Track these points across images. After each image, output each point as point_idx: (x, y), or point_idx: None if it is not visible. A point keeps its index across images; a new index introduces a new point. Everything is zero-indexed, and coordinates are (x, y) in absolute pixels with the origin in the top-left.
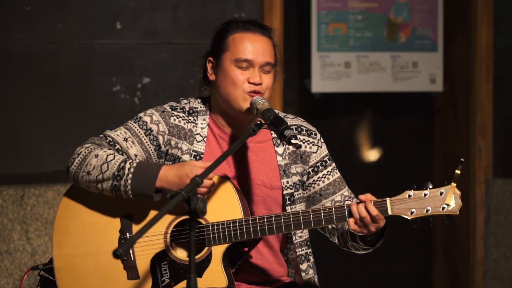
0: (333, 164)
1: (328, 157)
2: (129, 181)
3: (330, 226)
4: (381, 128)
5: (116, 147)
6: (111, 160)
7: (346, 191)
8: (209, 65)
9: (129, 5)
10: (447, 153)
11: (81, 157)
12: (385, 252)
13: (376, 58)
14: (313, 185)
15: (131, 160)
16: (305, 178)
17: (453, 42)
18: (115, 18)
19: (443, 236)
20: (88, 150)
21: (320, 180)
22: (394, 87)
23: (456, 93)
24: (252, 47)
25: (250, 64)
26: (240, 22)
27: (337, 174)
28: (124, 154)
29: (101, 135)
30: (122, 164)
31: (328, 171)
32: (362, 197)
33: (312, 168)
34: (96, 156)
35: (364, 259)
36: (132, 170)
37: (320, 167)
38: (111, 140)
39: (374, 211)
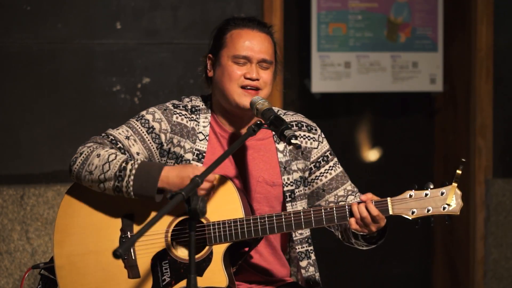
0: (335, 159)
1: (329, 152)
2: (131, 183)
3: None
4: (381, 128)
5: (118, 146)
6: (112, 160)
7: (349, 186)
8: (208, 62)
9: (129, 5)
10: (447, 153)
11: (83, 157)
12: (386, 252)
13: (376, 58)
14: (315, 180)
15: (132, 161)
16: (307, 174)
17: (453, 42)
18: (115, 18)
19: (443, 236)
20: (90, 149)
21: (322, 175)
22: (394, 87)
23: (456, 93)
24: (250, 43)
25: (248, 60)
26: (239, 19)
27: (339, 169)
28: (126, 152)
29: (103, 134)
30: (123, 165)
31: (330, 166)
32: (363, 197)
33: (314, 163)
34: (98, 155)
35: (365, 259)
36: (133, 171)
37: (322, 162)
38: (113, 138)
39: (375, 211)
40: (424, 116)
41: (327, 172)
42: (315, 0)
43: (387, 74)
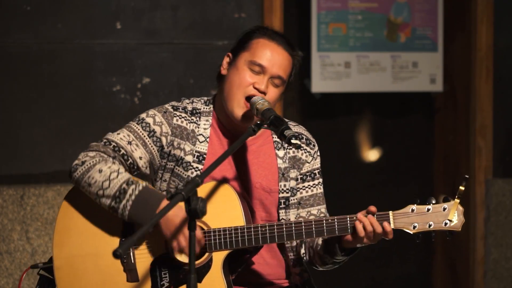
0: (321, 180)
1: (318, 171)
2: (128, 207)
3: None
4: (381, 128)
5: (121, 152)
6: (113, 179)
7: (323, 208)
8: (226, 60)
9: (129, 5)
10: (447, 153)
11: (85, 167)
12: (385, 252)
13: (376, 58)
14: (296, 192)
15: (134, 185)
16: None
17: (453, 42)
18: (115, 18)
19: (443, 236)
20: (93, 162)
21: (304, 189)
22: (394, 87)
23: (456, 93)
24: (271, 56)
25: (262, 71)
26: (270, 30)
27: (320, 190)
28: (129, 158)
29: (104, 140)
30: (124, 186)
31: (314, 184)
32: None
33: (301, 176)
34: (100, 171)
35: (364, 258)
36: (133, 197)
37: (308, 178)
38: (115, 145)
39: (388, 228)
40: (424, 116)
41: (309, 188)
42: (315, 0)
43: (387, 74)
